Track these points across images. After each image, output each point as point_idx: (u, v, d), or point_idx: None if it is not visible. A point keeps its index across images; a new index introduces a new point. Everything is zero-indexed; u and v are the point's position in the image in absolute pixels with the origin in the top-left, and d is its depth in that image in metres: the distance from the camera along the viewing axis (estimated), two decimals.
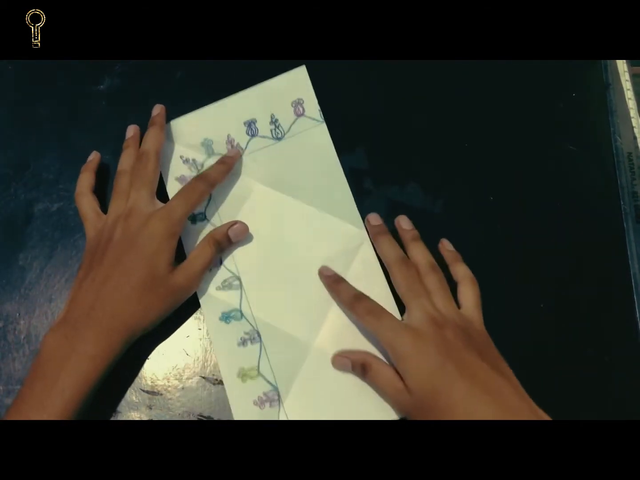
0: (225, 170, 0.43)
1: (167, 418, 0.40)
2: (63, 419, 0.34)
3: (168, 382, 0.41)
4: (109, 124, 0.47)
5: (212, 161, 0.44)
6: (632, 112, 0.50)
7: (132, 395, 0.41)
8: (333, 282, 0.40)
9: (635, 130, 0.49)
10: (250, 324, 0.41)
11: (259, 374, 0.40)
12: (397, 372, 0.36)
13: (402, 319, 0.39)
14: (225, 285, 0.42)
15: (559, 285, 0.44)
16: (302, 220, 0.43)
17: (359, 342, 0.40)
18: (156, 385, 0.41)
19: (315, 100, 0.46)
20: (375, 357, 0.39)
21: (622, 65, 0.51)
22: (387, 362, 0.38)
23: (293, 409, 0.39)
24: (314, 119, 0.46)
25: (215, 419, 0.40)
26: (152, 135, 0.42)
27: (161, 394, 0.41)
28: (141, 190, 0.40)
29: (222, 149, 0.45)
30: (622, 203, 0.47)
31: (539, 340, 0.43)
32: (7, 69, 0.48)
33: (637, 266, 0.45)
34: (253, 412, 0.39)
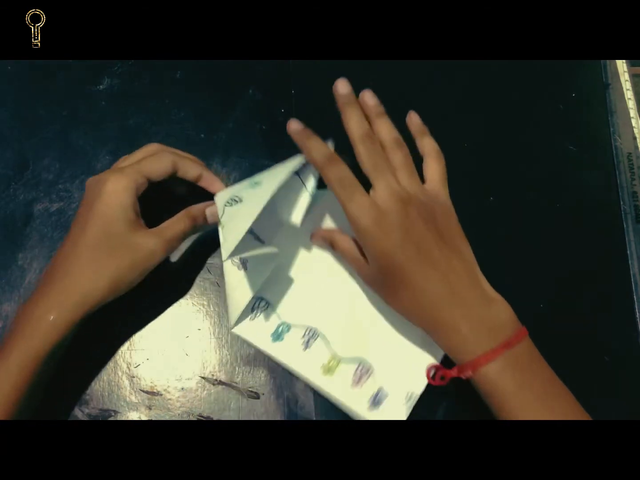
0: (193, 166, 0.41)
1: (167, 418, 0.40)
2: (24, 373, 0.33)
3: (167, 382, 0.41)
4: (109, 124, 0.47)
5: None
6: (632, 112, 0.50)
7: (131, 395, 0.40)
8: (304, 137, 0.38)
9: (635, 130, 0.49)
10: (300, 325, 0.41)
11: (339, 359, 0.40)
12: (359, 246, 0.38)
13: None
14: (255, 308, 0.42)
15: (559, 285, 0.44)
16: None
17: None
18: (155, 385, 0.41)
19: None
20: (340, 232, 0.40)
21: (621, 65, 0.51)
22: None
23: (383, 374, 0.40)
24: None
25: (215, 419, 0.40)
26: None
27: (161, 394, 0.41)
28: (124, 162, 0.40)
29: None
30: (622, 203, 0.47)
31: (539, 340, 0.43)
32: (7, 69, 0.48)
33: (637, 266, 0.45)
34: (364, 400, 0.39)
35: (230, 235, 0.36)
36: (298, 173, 0.40)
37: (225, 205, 0.38)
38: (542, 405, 0.34)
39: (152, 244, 0.37)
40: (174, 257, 0.43)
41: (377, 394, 0.40)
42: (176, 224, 0.39)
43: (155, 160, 0.39)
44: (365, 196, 0.36)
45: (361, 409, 0.39)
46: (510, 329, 0.35)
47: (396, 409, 0.39)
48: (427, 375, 0.38)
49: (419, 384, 0.39)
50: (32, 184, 0.45)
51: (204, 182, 0.41)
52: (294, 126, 0.39)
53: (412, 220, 0.36)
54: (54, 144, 0.46)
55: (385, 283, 0.37)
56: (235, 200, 0.38)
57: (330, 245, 0.41)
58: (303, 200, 0.40)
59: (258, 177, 0.39)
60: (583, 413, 0.35)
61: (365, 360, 0.41)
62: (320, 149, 0.38)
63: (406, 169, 0.38)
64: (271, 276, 0.41)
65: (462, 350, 0.35)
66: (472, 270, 0.37)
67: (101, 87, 0.48)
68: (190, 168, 0.40)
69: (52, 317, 0.35)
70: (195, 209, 0.40)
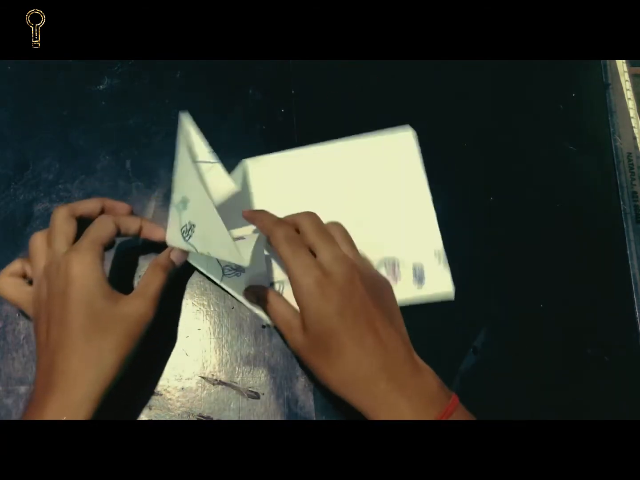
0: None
1: (167, 418, 0.40)
2: None
3: (168, 382, 0.41)
4: (109, 124, 0.47)
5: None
6: (632, 112, 0.50)
7: (131, 395, 0.41)
8: (251, 213, 0.40)
9: (635, 130, 0.49)
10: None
11: None
12: (295, 310, 0.38)
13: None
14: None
15: (559, 285, 0.44)
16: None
17: None
18: (156, 385, 0.41)
19: None
20: (277, 294, 0.40)
21: (621, 65, 0.51)
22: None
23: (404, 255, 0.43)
24: None
25: (215, 419, 0.40)
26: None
27: (161, 394, 0.41)
28: (53, 244, 0.37)
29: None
30: (622, 203, 0.47)
31: (539, 340, 0.43)
32: (7, 69, 0.48)
33: (637, 266, 0.45)
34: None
35: (223, 249, 0.36)
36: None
37: (186, 238, 0.38)
38: None
39: (140, 308, 0.36)
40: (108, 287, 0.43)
41: (414, 271, 0.43)
42: (151, 279, 0.38)
43: (100, 228, 0.38)
44: (309, 256, 0.36)
45: (413, 292, 0.42)
46: (444, 397, 0.35)
47: (438, 275, 0.43)
48: None
49: (434, 242, 0.44)
50: (32, 184, 0.45)
51: (146, 233, 0.40)
52: (245, 214, 0.40)
53: (355, 286, 0.36)
54: (54, 144, 0.46)
55: (319, 351, 0.35)
56: (189, 229, 0.38)
57: (263, 302, 0.40)
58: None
59: (177, 195, 0.39)
60: None
61: (385, 257, 0.43)
62: (269, 216, 0.39)
63: (347, 241, 0.39)
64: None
65: (415, 412, 0.34)
66: (407, 342, 0.37)
67: (101, 87, 0.48)
68: (131, 224, 0.40)
69: (65, 418, 0.33)
70: (162, 258, 0.40)
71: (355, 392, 0.35)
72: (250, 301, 0.42)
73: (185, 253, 0.40)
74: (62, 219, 0.38)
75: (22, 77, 0.48)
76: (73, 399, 0.33)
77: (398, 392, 0.34)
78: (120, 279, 0.43)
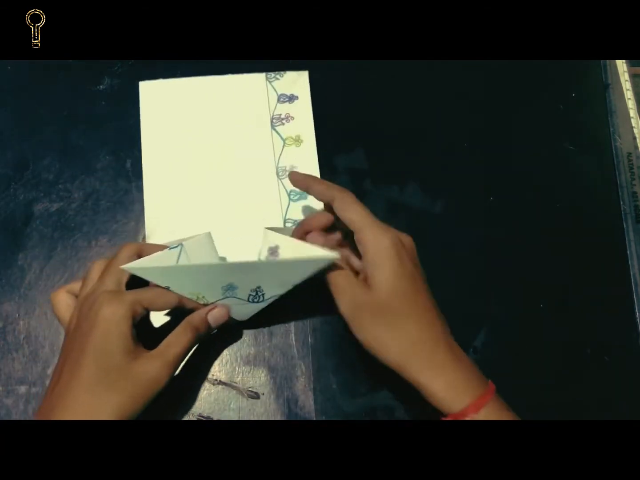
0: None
1: (167, 418, 0.40)
2: None
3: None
4: (109, 124, 0.47)
5: None
6: (632, 112, 0.50)
7: None
8: (304, 179, 0.39)
9: (635, 130, 0.49)
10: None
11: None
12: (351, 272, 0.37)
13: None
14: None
15: (559, 285, 0.44)
16: None
17: None
18: None
19: None
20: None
21: (621, 65, 0.51)
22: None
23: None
24: None
25: (215, 419, 0.40)
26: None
27: (161, 394, 0.41)
28: (105, 278, 0.36)
29: None
30: (622, 203, 0.47)
31: (539, 340, 0.43)
32: (7, 69, 0.48)
33: (637, 266, 0.45)
34: None
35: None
36: None
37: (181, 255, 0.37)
38: None
39: (154, 372, 0.34)
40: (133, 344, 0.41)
41: None
42: (178, 339, 0.36)
43: (158, 296, 0.36)
44: (386, 227, 0.37)
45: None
46: (484, 378, 0.35)
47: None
48: None
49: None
50: (32, 184, 0.45)
51: (211, 320, 0.38)
52: (294, 179, 0.40)
53: (417, 258, 0.37)
54: (54, 144, 0.46)
55: (383, 313, 0.35)
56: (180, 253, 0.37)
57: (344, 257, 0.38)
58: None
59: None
60: None
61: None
62: (322, 181, 0.39)
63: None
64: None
65: (452, 394, 0.34)
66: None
67: (101, 87, 0.48)
68: (193, 305, 0.38)
69: None
70: (196, 318, 0.37)
71: (416, 359, 0.35)
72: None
73: (226, 315, 0.38)
74: (126, 256, 0.36)
75: (22, 77, 0.48)
76: None
77: (457, 362, 0.35)
78: (152, 331, 0.41)
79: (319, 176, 0.45)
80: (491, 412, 0.34)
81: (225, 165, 0.46)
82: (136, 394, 0.34)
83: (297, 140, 0.46)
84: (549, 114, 0.49)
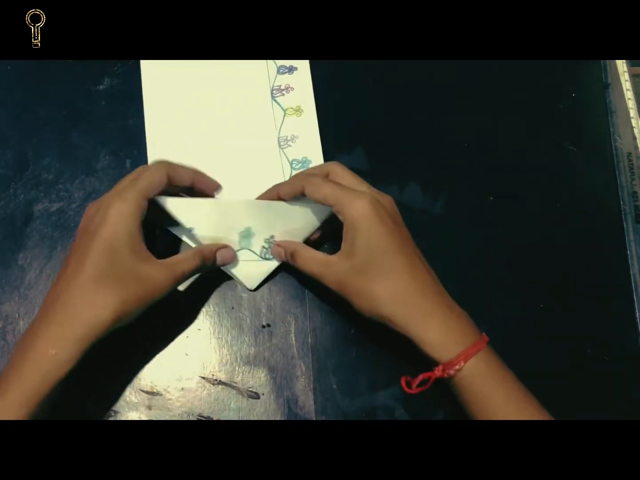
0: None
1: (167, 418, 0.40)
2: (22, 411, 0.32)
3: (167, 382, 0.41)
4: (109, 124, 0.47)
5: None
6: (632, 112, 0.50)
7: (131, 395, 0.40)
8: (301, 178, 0.40)
9: (635, 130, 0.49)
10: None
11: None
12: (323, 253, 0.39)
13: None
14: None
15: (559, 285, 0.44)
16: None
17: None
18: (155, 385, 0.41)
19: None
20: (301, 244, 0.41)
21: (621, 65, 0.51)
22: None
23: None
24: None
25: (215, 419, 0.40)
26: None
27: (160, 394, 0.41)
28: (123, 182, 0.37)
29: None
30: (622, 203, 0.47)
31: (539, 340, 0.43)
32: (7, 69, 0.48)
33: (637, 266, 0.45)
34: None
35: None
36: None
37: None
38: (515, 406, 0.35)
39: (161, 278, 0.36)
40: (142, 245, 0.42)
41: None
42: (187, 260, 0.38)
43: (149, 174, 0.37)
44: (354, 188, 0.38)
45: None
46: (477, 328, 0.37)
47: None
48: (403, 386, 0.36)
49: None
50: (32, 184, 0.45)
51: (199, 184, 0.40)
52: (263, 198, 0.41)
53: (399, 215, 0.39)
54: (54, 144, 0.46)
55: (369, 271, 0.36)
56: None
57: (291, 257, 0.40)
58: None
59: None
60: (548, 415, 0.35)
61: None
62: (300, 174, 0.41)
63: (366, 183, 0.40)
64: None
65: (444, 342, 0.35)
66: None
67: (101, 87, 0.48)
68: (184, 173, 0.39)
69: (54, 352, 0.33)
70: (207, 249, 0.39)
71: (405, 306, 0.36)
72: (280, 256, 0.41)
73: (233, 257, 0.41)
74: (154, 172, 0.37)
75: (22, 77, 0.48)
76: (67, 335, 0.33)
77: (447, 308, 0.36)
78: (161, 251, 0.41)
79: (319, 146, 0.46)
80: (482, 362, 0.35)
81: (228, 138, 0.46)
82: (140, 295, 0.35)
83: (298, 111, 0.47)
84: (549, 114, 0.49)
